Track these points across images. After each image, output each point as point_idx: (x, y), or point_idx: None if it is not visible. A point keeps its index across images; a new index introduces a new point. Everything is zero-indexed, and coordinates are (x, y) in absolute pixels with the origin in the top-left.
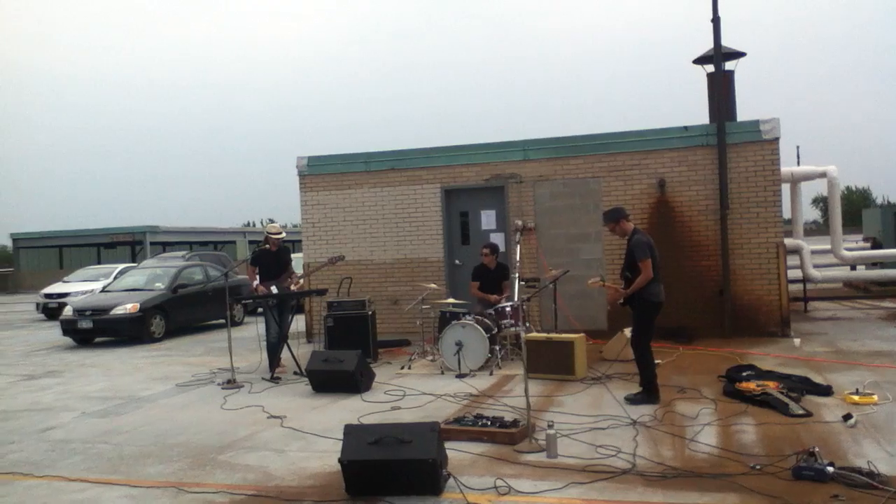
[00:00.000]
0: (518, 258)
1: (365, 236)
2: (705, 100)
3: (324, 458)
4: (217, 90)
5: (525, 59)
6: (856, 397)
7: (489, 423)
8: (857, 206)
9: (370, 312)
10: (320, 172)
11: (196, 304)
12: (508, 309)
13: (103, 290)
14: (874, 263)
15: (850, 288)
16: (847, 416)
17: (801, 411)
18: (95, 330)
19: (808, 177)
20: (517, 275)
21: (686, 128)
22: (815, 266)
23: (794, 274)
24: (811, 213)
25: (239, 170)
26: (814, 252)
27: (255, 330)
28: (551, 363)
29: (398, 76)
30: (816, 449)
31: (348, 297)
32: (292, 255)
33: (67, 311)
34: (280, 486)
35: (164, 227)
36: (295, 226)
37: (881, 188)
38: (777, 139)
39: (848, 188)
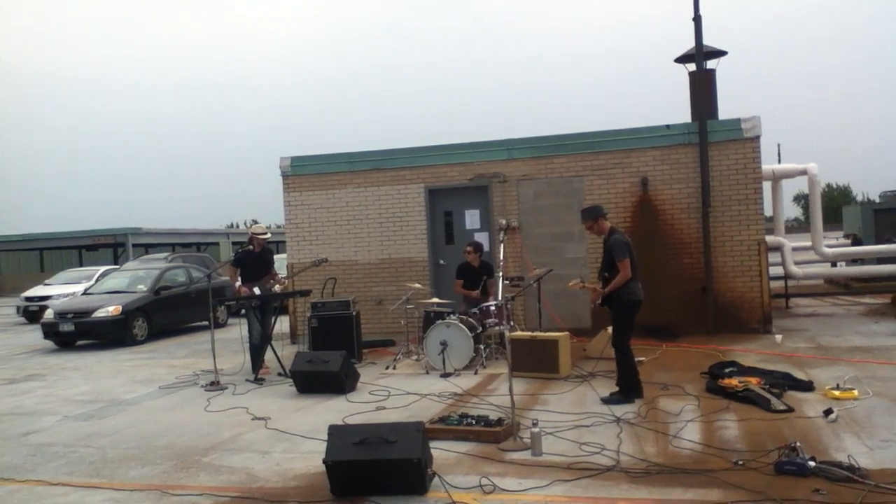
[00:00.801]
0: (502, 257)
1: (349, 237)
2: (687, 98)
3: (308, 458)
4: (201, 91)
5: (507, 59)
6: (836, 392)
7: (474, 422)
8: (837, 204)
9: (354, 313)
10: (304, 173)
11: (179, 306)
12: (493, 308)
13: (85, 293)
14: (854, 260)
15: (831, 284)
16: (828, 412)
17: (782, 407)
18: (77, 333)
19: (789, 174)
20: (501, 274)
21: (668, 126)
22: (797, 263)
23: (776, 271)
24: (792, 211)
25: (222, 170)
26: (795, 249)
27: (238, 331)
28: (536, 362)
29: (382, 77)
30: (798, 444)
31: (332, 297)
32: (276, 256)
33: (49, 315)
34: (264, 487)
35: (147, 229)
36: (279, 226)
37: (861, 186)
38: (758, 137)
39: (828, 186)
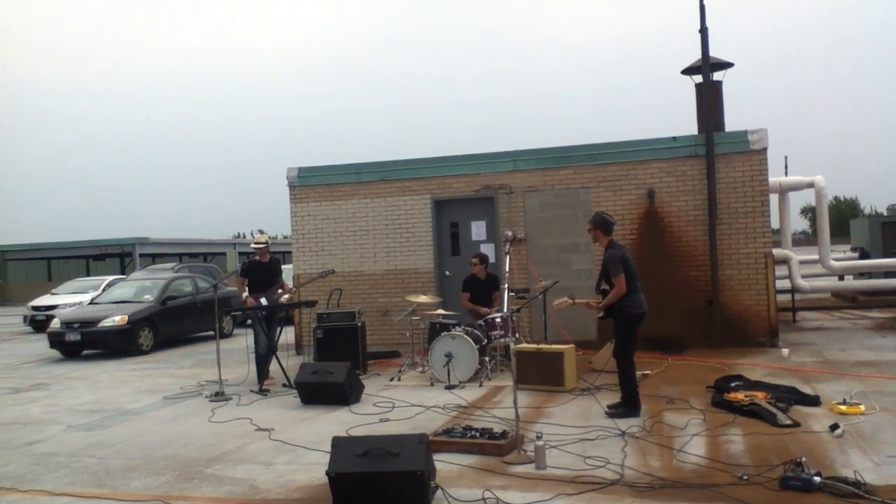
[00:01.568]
0: (508, 269)
1: (355, 247)
2: (694, 110)
3: (312, 470)
4: (207, 102)
5: (513, 71)
6: (843, 407)
7: (478, 434)
8: (845, 217)
9: (360, 324)
10: (311, 184)
11: (185, 317)
12: (498, 320)
13: (91, 303)
14: (862, 274)
15: (839, 298)
16: (834, 426)
17: (788, 421)
18: (83, 342)
19: (796, 187)
20: (507, 286)
21: (675, 138)
22: (804, 276)
23: (783, 284)
24: (799, 224)
25: (229, 181)
26: (802, 262)
27: (244, 342)
28: (541, 374)
29: (389, 88)
30: (804, 459)
31: (338, 308)
32: (283, 267)
33: (55, 324)
34: (267, 499)
35: (154, 239)
36: (285, 237)
37: (869, 198)
38: (765, 149)
39: (836, 198)
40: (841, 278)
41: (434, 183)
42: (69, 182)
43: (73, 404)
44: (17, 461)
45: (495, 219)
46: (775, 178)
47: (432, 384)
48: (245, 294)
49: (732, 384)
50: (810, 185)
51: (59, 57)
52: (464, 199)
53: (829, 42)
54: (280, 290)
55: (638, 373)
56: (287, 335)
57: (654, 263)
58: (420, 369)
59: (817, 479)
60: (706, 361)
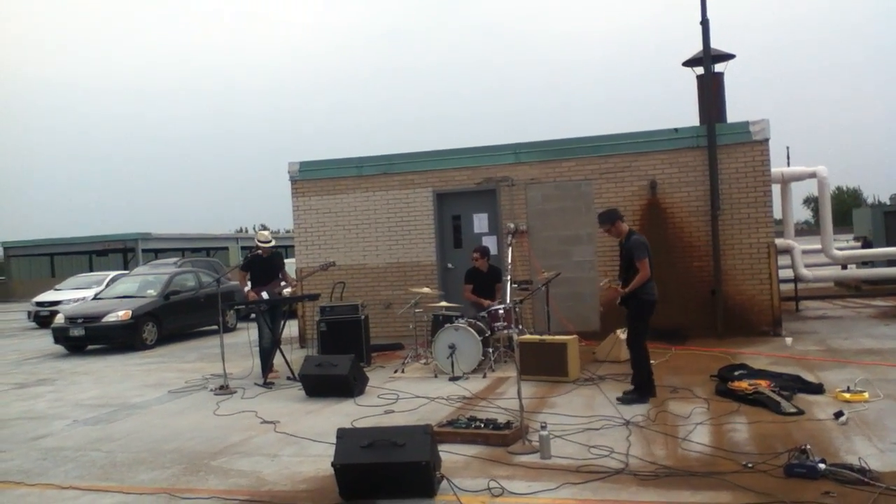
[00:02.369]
0: (510, 261)
1: (357, 241)
2: (695, 102)
3: (317, 462)
4: (208, 96)
5: (514, 62)
6: (847, 395)
7: (482, 425)
8: (847, 206)
9: (363, 317)
10: (312, 177)
11: (188, 311)
12: (501, 311)
13: (95, 298)
14: (865, 262)
15: (842, 287)
16: (838, 414)
17: (792, 409)
18: (87, 337)
19: (799, 177)
20: (509, 277)
21: (676, 130)
22: (807, 266)
23: (786, 273)
24: (802, 214)
25: (231, 175)
26: (805, 252)
27: (247, 335)
28: (544, 365)
29: (389, 81)
30: (808, 446)
31: (341, 301)
32: (285, 261)
33: (59, 319)
34: (273, 491)
35: (156, 234)
36: (288, 231)
37: (871, 188)
38: (767, 140)
39: (838, 188)
40: (844, 267)
41: (436, 176)
42: (72, 178)
43: (79, 399)
44: (24, 456)
45: (497, 211)
46: (777, 168)
47: (436, 376)
48: (247, 288)
49: (736, 373)
50: (813, 175)
51: (60, 53)
52: (466, 192)
53: (832, 32)
54: (283, 283)
55: None
56: (291, 328)
57: (656, 254)
58: (424, 361)
59: (822, 466)
60: (710, 351)
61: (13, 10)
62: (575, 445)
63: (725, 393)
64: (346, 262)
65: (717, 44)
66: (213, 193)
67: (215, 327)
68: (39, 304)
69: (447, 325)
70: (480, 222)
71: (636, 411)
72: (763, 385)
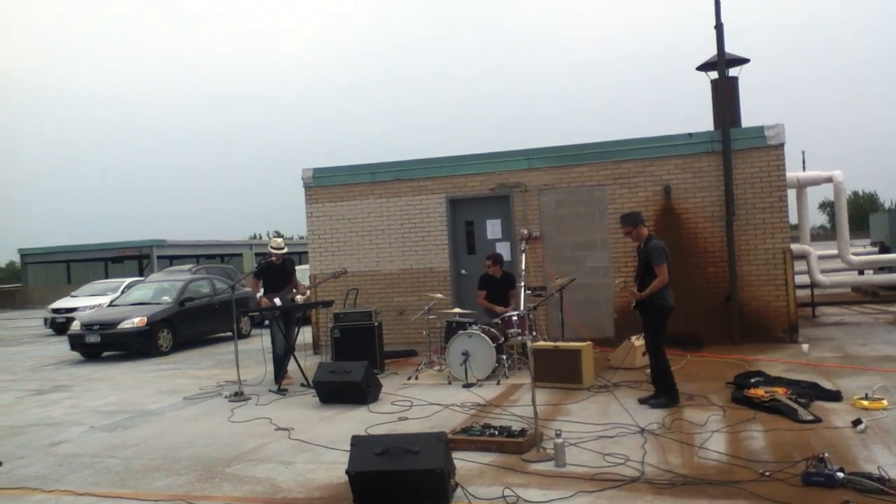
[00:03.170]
0: (524, 267)
1: (370, 247)
2: (710, 106)
3: (331, 469)
4: (222, 104)
5: (527, 67)
6: (865, 402)
7: (497, 432)
8: (864, 211)
9: (376, 323)
10: (326, 184)
11: (203, 317)
12: (515, 318)
13: (111, 305)
14: (882, 268)
15: (858, 293)
16: (857, 422)
17: (810, 417)
18: (103, 344)
19: (814, 182)
20: (523, 284)
21: (691, 134)
22: (823, 271)
23: (802, 279)
24: (818, 219)
25: (245, 182)
26: (821, 257)
27: (261, 342)
28: (558, 372)
29: (402, 88)
30: (826, 455)
31: (354, 308)
32: (298, 267)
33: (75, 326)
34: (287, 498)
35: (171, 241)
36: (301, 237)
37: (888, 192)
38: (782, 144)
39: (854, 193)
40: (861, 273)
41: (449, 182)
42: (87, 186)
43: (95, 405)
44: (41, 462)
45: (510, 217)
46: (793, 173)
47: (450, 383)
48: (260, 294)
49: (752, 380)
50: (829, 179)
51: (75, 60)
52: (479, 198)
53: (847, 35)
54: (294, 290)
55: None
56: (304, 335)
57: (671, 260)
58: (437, 368)
59: (840, 474)
60: (725, 357)
61: (30, 21)
62: (590, 453)
63: (741, 400)
64: (359, 269)
65: (731, 48)
66: (228, 201)
67: (230, 334)
68: (56, 310)
69: (461, 332)
70: (493, 228)
71: (651, 419)
72: (780, 392)
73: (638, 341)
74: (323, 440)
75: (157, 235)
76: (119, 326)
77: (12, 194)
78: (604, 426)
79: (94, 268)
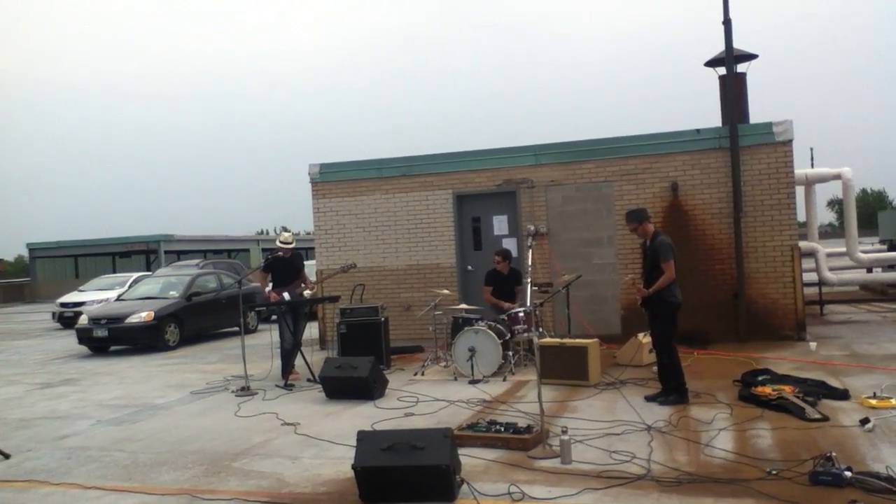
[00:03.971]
0: (530, 263)
1: (377, 243)
2: (717, 102)
3: (337, 464)
4: (229, 99)
5: (534, 64)
6: (873, 401)
7: (502, 429)
8: (872, 209)
9: (383, 319)
10: (332, 179)
11: (210, 312)
12: (521, 314)
13: (118, 299)
14: (891, 266)
15: (867, 291)
16: (864, 420)
17: (817, 415)
18: (111, 338)
19: (823, 179)
20: (530, 280)
21: (698, 131)
22: (831, 269)
23: (810, 277)
24: (826, 216)
25: (252, 178)
26: (829, 255)
27: (268, 337)
28: (565, 368)
29: (410, 83)
30: (833, 454)
31: (361, 303)
32: (305, 262)
33: (83, 320)
34: (294, 492)
35: (179, 236)
36: (308, 233)
37: None
38: (790, 141)
39: (863, 190)
40: (869, 271)
41: (455, 178)
42: (95, 181)
43: (102, 399)
44: (49, 455)
45: (517, 213)
46: (801, 170)
47: (456, 379)
48: (268, 289)
49: (759, 378)
50: (837, 176)
51: (83, 56)
52: (485, 194)
53: (856, 31)
54: (302, 285)
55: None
56: (311, 330)
57: (678, 257)
58: (443, 364)
59: (848, 473)
60: (732, 355)
61: (40, 19)
62: (596, 450)
63: (748, 398)
64: (365, 264)
65: (739, 44)
66: (235, 196)
67: (236, 328)
68: (64, 304)
69: (467, 328)
70: (500, 224)
71: (658, 416)
72: (787, 390)
73: (645, 338)
74: (329, 435)
75: (164, 230)
76: (126, 321)
77: (21, 189)
78: (610, 423)
79: (102, 262)
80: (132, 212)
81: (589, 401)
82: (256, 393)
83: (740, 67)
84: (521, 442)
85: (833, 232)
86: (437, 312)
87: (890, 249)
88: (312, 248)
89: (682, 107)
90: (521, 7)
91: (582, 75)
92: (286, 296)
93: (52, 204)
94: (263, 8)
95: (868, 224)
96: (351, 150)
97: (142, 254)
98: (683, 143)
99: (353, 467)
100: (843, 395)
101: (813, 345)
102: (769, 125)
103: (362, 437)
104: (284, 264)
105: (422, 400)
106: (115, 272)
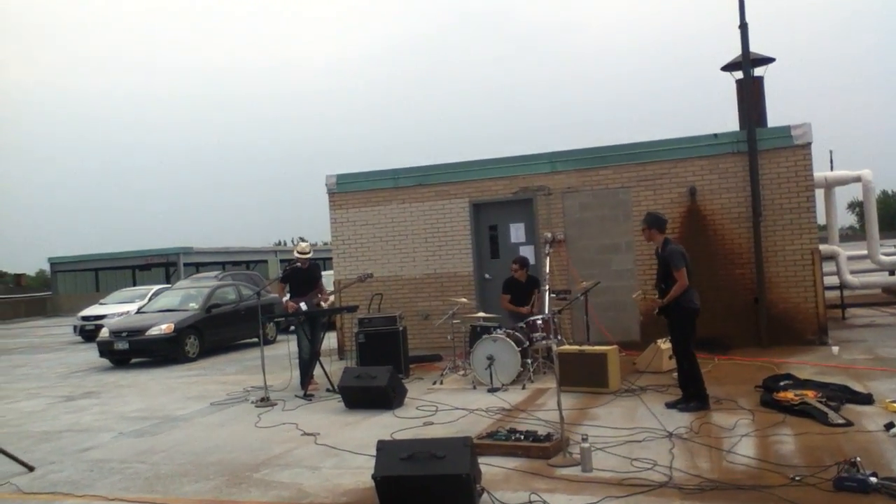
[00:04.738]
0: (548, 270)
1: (394, 252)
2: (735, 106)
3: (357, 474)
4: (246, 111)
5: (550, 68)
6: None
7: (522, 437)
8: (893, 211)
9: (401, 328)
10: (349, 190)
11: (229, 324)
12: (540, 322)
13: (138, 312)
14: None
15: (889, 293)
16: (889, 425)
17: (841, 420)
18: (131, 351)
19: (843, 181)
20: (548, 287)
21: (716, 135)
22: (852, 272)
23: (831, 280)
24: (847, 219)
25: (270, 189)
26: (850, 258)
27: (287, 348)
28: (584, 376)
29: (426, 93)
30: (858, 459)
31: (379, 313)
32: (323, 273)
33: (104, 333)
34: (314, 503)
35: (198, 248)
36: (325, 243)
37: None
38: (809, 144)
39: (884, 192)
40: (891, 273)
41: (472, 186)
42: (115, 195)
43: (124, 411)
44: (72, 467)
45: (534, 221)
46: (821, 172)
47: (475, 387)
48: (286, 299)
49: (781, 383)
50: (857, 179)
51: (101, 68)
52: (502, 202)
53: (874, 33)
54: (319, 295)
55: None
56: (329, 340)
57: (697, 262)
58: (462, 372)
59: (873, 479)
60: (753, 360)
61: (55, 32)
62: (617, 458)
63: (771, 404)
64: (383, 274)
65: (756, 47)
66: (253, 207)
67: (256, 340)
68: (85, 318)
69: (485, 336)
70: (517, 232)
71: (679, 423)
72: (810, 395)
73: (664, 344)
74: (349, 445)
75: (183, 243)
76: (147, 333)
77: (43, 205)
78: (631, 430)
79: (122, 275)
80: (151, 225)
81: (609, 408)
82: (276, 403)
83: (757, 71)
84: (542, 450)
85: (854, 235)
86: (455, 321)
87: None
88: (330, 259)
89: (699, 111)
90: (536, 15)
91: (598, 83)
92: (303, 306)
93: (72, 219)
94: (280, 19)
95: (889, 226)
96: (370, 161)
97: (161, 266)
98: (701, 148)
99: (373, 477)
100: (866, 399)
101: (835, 349)
102: (787, 129)
103: (382, 446)
104: (302, 275)
105: (441, 409)
106: (135, 285)
